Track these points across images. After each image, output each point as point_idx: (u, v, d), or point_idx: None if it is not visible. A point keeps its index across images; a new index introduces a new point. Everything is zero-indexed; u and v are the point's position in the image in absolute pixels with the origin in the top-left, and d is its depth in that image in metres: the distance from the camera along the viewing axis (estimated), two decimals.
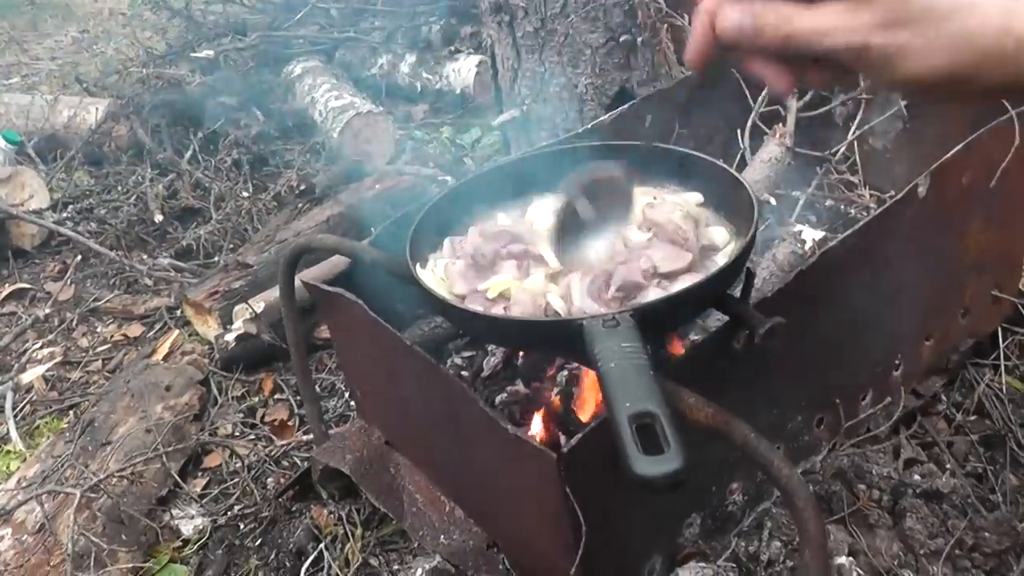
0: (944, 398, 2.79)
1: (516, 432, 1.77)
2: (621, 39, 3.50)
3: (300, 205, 4.25)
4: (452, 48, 5.61)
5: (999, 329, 2.90)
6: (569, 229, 1.84)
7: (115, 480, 2.66)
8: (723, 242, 1.95)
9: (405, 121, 5.41)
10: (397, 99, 5.71)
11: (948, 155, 2.27)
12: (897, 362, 2.58)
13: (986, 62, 0.96)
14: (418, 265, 1.92)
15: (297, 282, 2.40)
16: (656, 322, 1.70)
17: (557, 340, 1.74)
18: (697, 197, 2.08)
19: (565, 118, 3.70)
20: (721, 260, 1.87)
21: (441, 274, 1.92)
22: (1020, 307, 2.88)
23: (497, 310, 1.78)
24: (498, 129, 4.02)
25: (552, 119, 3.73)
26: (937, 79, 0.98)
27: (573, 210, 1.81)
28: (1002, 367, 2.84)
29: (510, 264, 1.89)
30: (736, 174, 2.01)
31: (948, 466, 2.59)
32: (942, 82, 0.98)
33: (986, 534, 2.37)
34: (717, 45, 1.08)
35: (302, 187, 4.33)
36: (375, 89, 5.73)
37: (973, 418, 2.75)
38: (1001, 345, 2.88)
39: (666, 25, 3.52)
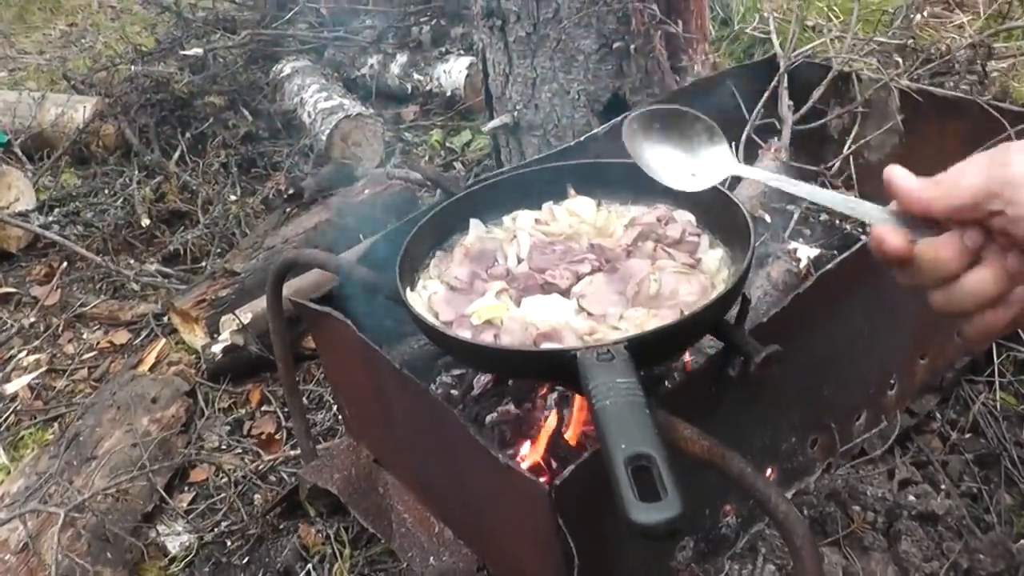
0: (939, 416, 2.77)
1: (508, 462, 1.73)
2: (614, 45, 3.46)
3: (288, 210, 4.21)
4: (443, 49, 5.56)
5: (993, 346, 2.87)
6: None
7: (100, 497, 2.62)
8: (716, 266, 1.92)
9: (395, 122, 5.36)
10: (387, 100, 5.66)
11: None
12: (892, 381, 2.55)
13: None
14: (408, 289, 1.89)
15: (285, 291, 2.36)
16: (651, 352, 1.67)
17: (549, 370, 1.71)
18: (690, 216, 2.06)
19: (557, 125, 3.67)
20: (720, 288, 1.84)
21: (427, 296, 1.89)
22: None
23: (487, 337, 1.75)
24: (489, 135, 3.99)
25: (544, 125, 3.70)
26: None
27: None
28: (996, 384, 2.82)
29: (494, 285, 1.87)
30: (731, 195, 1.97)
31: (943, 486, 2.57)
32: None
33: (981, 556, 2.35)
34: None
35: (290, 191, 4.28)
36: (365, 89, 5.68)
37: (968, 436, 2.73)
38: (996, 362, 2.85)
39: (660, 32, 3.47)
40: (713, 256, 1.94)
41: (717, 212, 2.00)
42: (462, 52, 5.46)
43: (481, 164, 4.63)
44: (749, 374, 1.77)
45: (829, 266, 2.05)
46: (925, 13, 4.40)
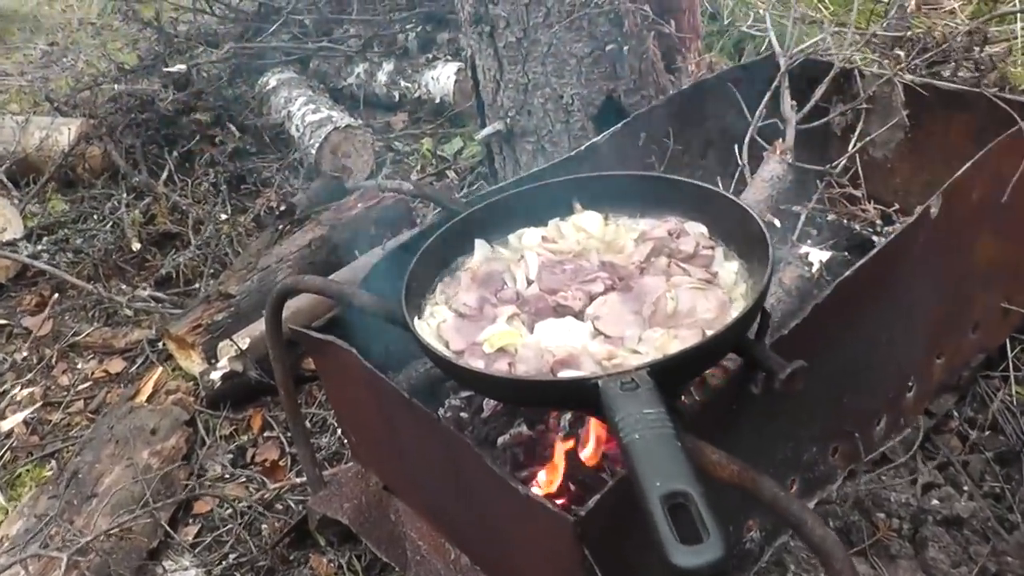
0: (956, 415, 2.72)
1: (528, 493, 1.67)
2: (607, 48, 3.40)
3: (281, 227, 4.12)
4: (430, 55, 5.48)
5: (1007, 340, 2.82)
6: None
7: (103, 537, 2.55)
8: (732, 280, 1.86)
9: (384, 132, 5.28)
10: (375, 109, 5.57)
11: (959, 173, 2.19)
12: (910, 384, 2.50)
13: None
14: (415, 317, 1.83)
15: (284, 313, 2.29)
16: (674, 376, 1.61)
17: (570, 400, 1.65)
18: (702, 228, 2.00)
19: (551, 131, 3.61)
20: (738, 302, 1.78)
21: (436, 325, 1.83)
22: None
23: (501, 366, 1.68)
24: (481, 143, 3.92)
25: (537, 132, 3.64)
26: None
27: None
28: (1011, 378, 2.77)
29: (505, 310, 1.80)
30: (744, 205, 1.92)
31: (965, 488, 2.53)
32: None
33: (1008, 559, 2.32)
34: None
35: (282, 207, 4.20)
36: (352, 99, 5.60)
37: (987, 434, 2.68)
38: (1010, 355, 2.81)
39: (653, 33, 3.42)
40: (729, 269, 1.89)
41: (730, 222, 1.95)
42: (450, 58, 5.39)
43: (475, 172, 4.55)
44: (773, 390, 1.72)
45: (847, 274, 1.99)
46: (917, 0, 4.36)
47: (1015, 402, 2.73)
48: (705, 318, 1.74)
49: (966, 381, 2.75)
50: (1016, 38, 4.10)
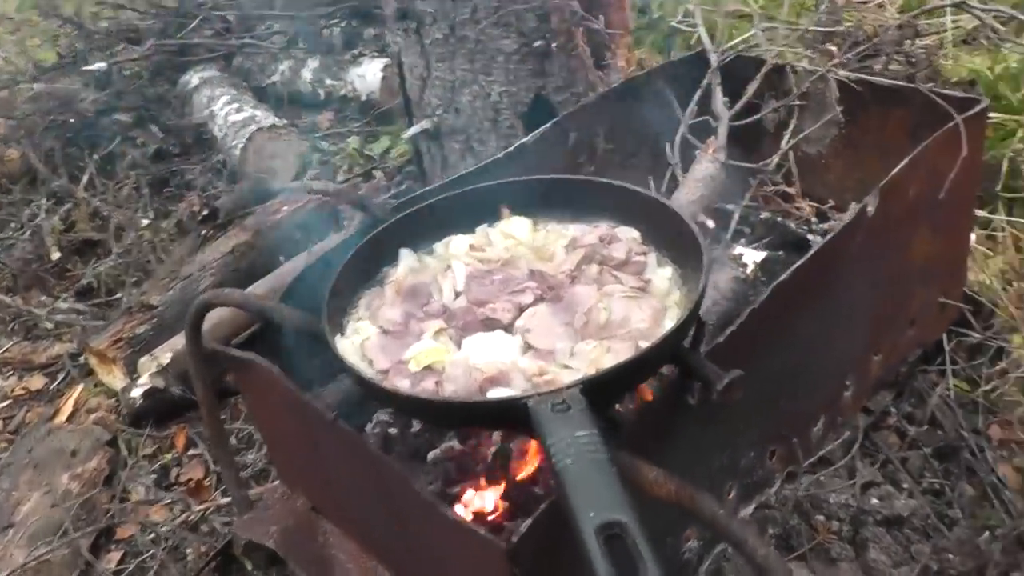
0: (895, 411, 2.70)
1: (457, 519, 1.60)
2: (535, 45, 3.33)
3: (204, 232, 3.99)
4: (356, 52, 5.36)
5: (944, 334, 2.81)
6: None
7: (19, 572, 2.42)
8: (666, 287, 1.80)
9: (310, 131, 5.13)
10: (300, 107, 5.43)
11: (895, 171, 2.16)
12: (848, 383, 2.47)
13: None
14: (338, 336, 1.75)
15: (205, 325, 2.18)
16: (608, 392, 1.55)
17: (500, 420, 1.58)
18: (634, 233, 1.93)
19: (479, 129, 3.53)
20: (673, 310, 1.72)
21: (360, 342, 1.74)
22: (966, 311, 2.79)
23: (428, 385, 1.60)
24: (408, 142, 3.83)
25: (465, 130, 3.56)
26: None
27: None
28: (948, 371, 2.76)
29: (432, 325, 1.72)
30: (679, 211, 1.87)
31: (905, 485, 2.51)
32: None
33: (950, 556, 2.31)
34: None
35: (205, 212, 4.07)
36: (276, 98, 5.44)
37: (925, 429, 2.66)
38: (947, 349, 2.80)
39: (581, 29, 3.35)
40: (663, 275, 1.83)
41: (662, 227, 1.89)
42: (376, 54, 5.27)
43: (403, 171, 4.44)
44: (710, 401, 1.66)
45: (783, 277, 1.94)
46: None
47: (952, 396, 2.72)
48: (639, 328, 1.67)
49: (904, 376, 2.74)
50: (946, 31, 4.09)
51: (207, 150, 5.06)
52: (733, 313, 2.14)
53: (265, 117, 4.74)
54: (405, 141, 3.92)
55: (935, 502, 2.47)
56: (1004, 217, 3.19)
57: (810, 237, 2.63)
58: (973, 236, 2.93)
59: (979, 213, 3.05)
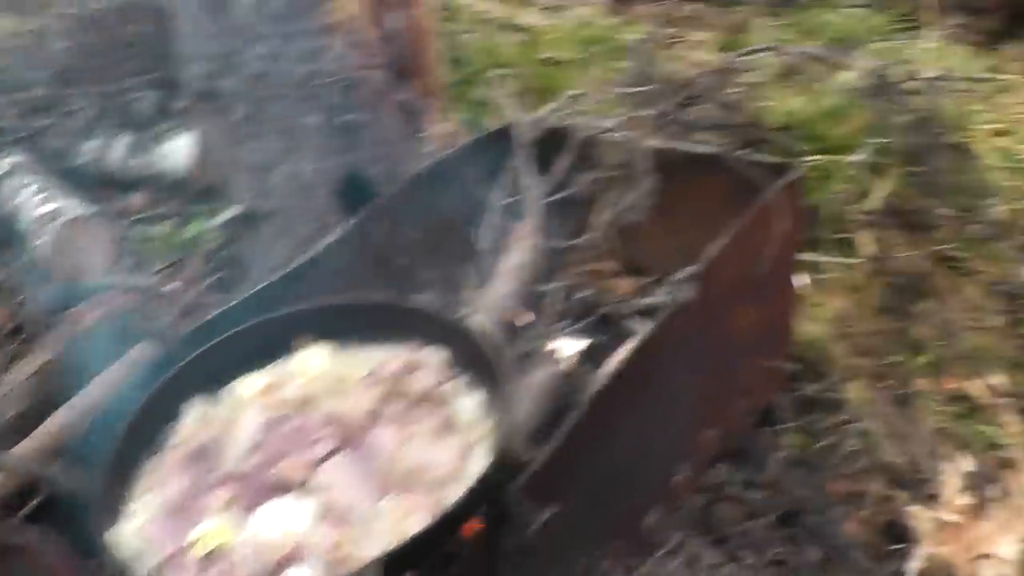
0: (734, 479, 2.64)
1: None
2: (343, 119, 3.19)
3: (11, 348, 3.64)
4: (167, 126, 5.07)
5: (776, 395, 2.78)
6: None
7: None
8: (474, 417, 1.67)
9: (122, 216, 4.78)
10: (113, 189, 5.08)
11: (712, 253, 2.10)
12: (680, 466, 2.39)
13: None
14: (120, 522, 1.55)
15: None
16: (412, 559, 1.41)
17: None
18: (443, 354, 1.80)
19: (293, 210, 3.35)
20: (482, 444, 1.59)
21: (141, 524, 1.55)
22: (797, 369, 2.78)
23: (215, 575, 1.42)
24: (220, 228, 3.62)
25: (280, 212, 3.37)
26: None
27: None
28: (783, 431, 2.73)
29: (219, 495, 1.54)
30: (473, 333, 1.76)
31: (749, 561, 2.44)
32: None
33: None
34: None
35: (10, 325, 3.71)
36: (89, 179, 5.08)
37: (766, 494, 2.60)
38: (781, 410, 2.76)
39: (391, 99, 3.23)
40: (469, 405, 1.69)
41: (468, 347, 1.77)
42: (186, 128, 5.00)
43: (217, 256, 4.14)
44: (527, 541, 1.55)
45: (599, 388, 1.85)
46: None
47: (789, 456, 2.68)
48: (443, 474, 1.54)
49: (740, 445, 2.68)
50: (765, 67, 4.12)
51: (19, 248, 4.67)
52: (554, 413, 2.01)
53: (72, 207, 4.39)
54: (216, 228, 3.70)
55: (781, 573, 2.41)
56: (832, 259, 3.20)
57: (631, 322, 2.52)
58: (807, 279, 2.95)
59: (806, 257, 3.03)
